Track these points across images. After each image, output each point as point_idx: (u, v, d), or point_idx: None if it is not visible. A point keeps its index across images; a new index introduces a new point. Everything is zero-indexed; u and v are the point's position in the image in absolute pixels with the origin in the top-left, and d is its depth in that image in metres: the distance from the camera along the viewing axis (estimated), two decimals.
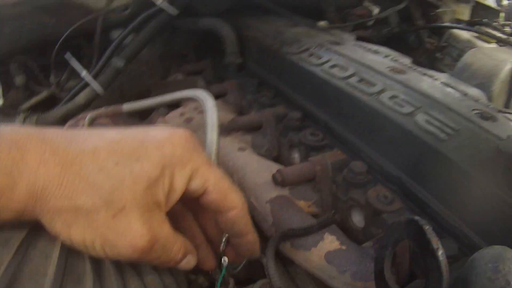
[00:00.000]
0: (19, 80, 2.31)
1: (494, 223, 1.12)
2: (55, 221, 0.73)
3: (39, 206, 0.71)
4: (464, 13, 3.38)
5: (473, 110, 1.38)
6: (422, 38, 3.10)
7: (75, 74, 2.33)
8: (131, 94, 2.40)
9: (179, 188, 0.82)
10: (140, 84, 2.41)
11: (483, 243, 1.13)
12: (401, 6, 2.87)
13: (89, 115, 1.66)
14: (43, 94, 2.35)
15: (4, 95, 2.25)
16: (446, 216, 1.23)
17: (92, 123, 1.67)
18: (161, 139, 0.82)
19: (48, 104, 2.30)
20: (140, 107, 1.62)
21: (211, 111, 1.29)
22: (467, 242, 1.17)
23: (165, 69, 2.57)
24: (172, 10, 2.03)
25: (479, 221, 1.16)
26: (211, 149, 1.18)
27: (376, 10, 2.71)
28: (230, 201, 0.89)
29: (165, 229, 0.81)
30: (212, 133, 1.20)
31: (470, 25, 3.35)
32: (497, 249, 0.87)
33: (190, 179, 0.83)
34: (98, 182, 0.72)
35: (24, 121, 1.96)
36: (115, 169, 0.74)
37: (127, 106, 1.61)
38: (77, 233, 0.73)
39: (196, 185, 0.85)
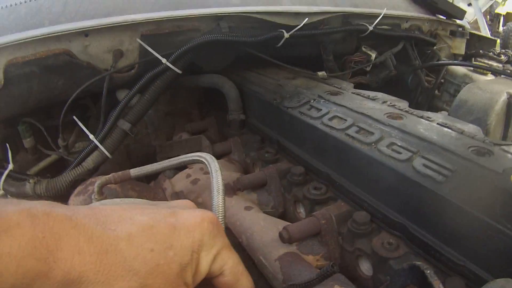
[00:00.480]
0: (27, 143, 2.33)
1: (497, 256, 1.14)
2: None
3: None
4: (460, 47, 3.42)
5: (470, 147, 1.41)
6: (420, 77, 3.12)
7: (83, 135, 2.35)
8: (138, 155, 2.44)
9: (203, 270, 0.84)
10: (145, 145, 2.43)
11: (489, 277, 1.15)
12: (398, 48, 2.92)
13: (98, 182, 1.64)
14: (52, 157, 2.38)
15: (12, 157, 2.24)
16: (450, 255, 1.25)
17: (102, 189, 1.66)
18: (191, 224, 0.84)
19: (57, 167, 2.33)
20: (147, 172, 1.63)
21: (216, 174, 1.29)
22: (474, 277, 1.19)
23: (170, 128, 2.59)
24: (177, 69, 2.06)
25: (483, 256, 1.18)
26: (218, 212, 1.19)
27: (373, 55, 2.75)
28: (241, 286, 0.91)
29: None
30: (218, 197, 1.21)
31: (466, 57, 3.39)
32: (500, 282, 0.91)
33: (212, 262, 0.85)
34: (134, 268, 0.74)
35: (34, 186, 1.95)
36: (149, 255, 0.75)
37: (135, 172, 1.62)
38: None
39: (215, 267, 0.87)
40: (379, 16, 2.67)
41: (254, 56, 2.28)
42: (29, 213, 0.69)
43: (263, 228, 1.55)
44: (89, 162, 2.04)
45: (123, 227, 0.77)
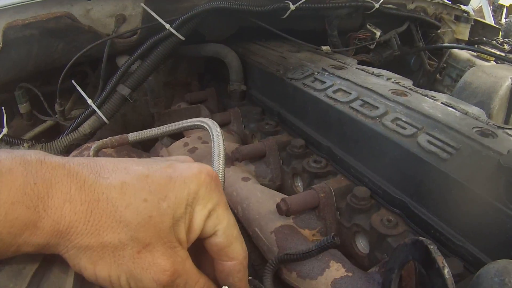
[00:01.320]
0: (23, 108, 2.30)
1: (498, 237, 1.12)
2: (79, 258, 0.72)
3: (63, 243, 0.70)
4: (464, 32, 3.39)
5: (474, 128, 1.40)
6: (422, 60, 3.11)
7: (79, 102, 2.36)
8: (135, 124, 2.42)
9: (197, 226, 0.81)
10: (143, 114, 2.41)
11: (488, 259, 1.13)
12: (402, 28, 2.91)
13: (94, 146, 1.63)
14: (47, 123, 2.35)
15: (8, 123, 2.23)
16: (450, 235, 1.23)
17: (97, 153, 1.65)
18: (188, 176, 0.80)
19: (52, 133, 2.31)
20: (145, 137, 1.59)
21: (218, 139, 1.25)
22: (472, 259, 1.18)
23: (168, 98, 2.57)
24: (180, 36, 2.04)
25: (482, 237, 1.17)
26: (219, 175, 1.17)
27: (378, 33, 2.72)
28: (233, 251, 0.87)
29: (187, 265, 0.81)
30: (218, 162, 1.18)
31: (469, 44, 3.38)
32: (501, 263, 0.89)
33: (206, 218, 0.82)
34: (125, 218, 0.71)
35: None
36: (142, 205, 0.73)
37: (133, 136, 1.58)
38: (103, 269, 0.73)
39: (209, 225, 0.83)
40: None
41: (258, 27, 2.26)
42: (22, 159, 0.68)
43: (260, 200, 1.53)
44: (86, 127, 2.01)
45: (117, 175, 0.74)
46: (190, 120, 1.44)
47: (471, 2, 3.76)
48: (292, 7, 2.13)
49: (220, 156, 1.20)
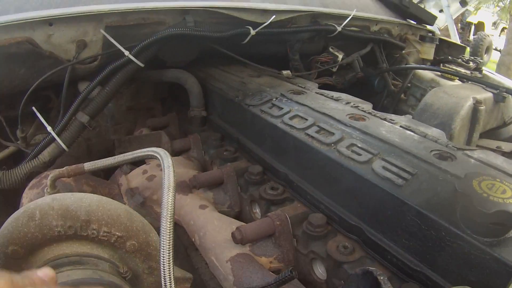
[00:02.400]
0: None
1: (455, 262, 1.13)
2: None
3: None
4: (429, 52, 3.43)
5: (432, 151, 1.41)
6: (386, 80, 3.13)
7: (42, 127, 2.33)
8: (98, 149, 2.41)
9: None
10: (106, 139, 2.40)
11: (446, 284, 1.14)
12: (366, 50, 2.93)
13: (50, 175, 1.61)
14: (10, 149, 2.31)
15: None
16: (407, 260, 1.24)
17: (55, 182, 1.63)
18: None
19: (15, 158, 2.29)
20: (101, 166, 1.60)
21: (168, 170, 1.27)
22: (431, 284, 1.18)
23: (131, 123, 2.58)
24: (139, 62, 2.04)
25: (440, 262, 1.17)
26: (167, 209, 1.18)
27: (340, 56, 2.74)
28: None
29: None
30: (168, 194, 1.20)
31: (434, 63, 3.42)
32: None
33: None
34: None
35: None
36: None
37: (89, 166, 1.59)
38: None
39: None
40: (348, 17, 2.67)
41: (219, 52, 2.26)
42: None
43: (217, 228, 1.53)
44: (45, 155, 2.01)
45: None
46: (144, 150, 1.45)
47: (437, 21, 3.81)
48: (253, 32, 2.15)
49: (169, 188, 1.22)
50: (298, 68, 2.58)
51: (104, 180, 1.97)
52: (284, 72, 2.28)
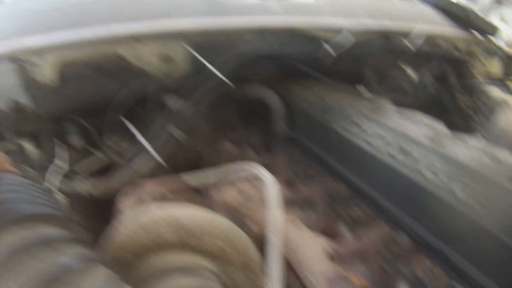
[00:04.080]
0: (74, 140, 2.40)
1: None
2: None
3: None
4: (498, 68, 3.41)
5: (508, 176, 1.42)
6: (456, 98, 3.15)
7: (128, 136, 2.43)
8: (182, 161, 2.50)
9: None
10: (190, 151, 2.50)
11: None
12: (436, 67, 2.97)
13: (154, 186, 1.79)
14: (99, 156, 2.43)
15: (57, 154, 2.34)
16: (489, 286, 1.29)
17: (157, 193, 1.79)
18: None
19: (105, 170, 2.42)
20: (200, 179, 1.71)
21: (273, 190, 1.39)
22: None
23: (213, 136, 2.65)
24: (226, 79, 2.12)
25: None
26: (274, 226, 1.27)
27: (412, 74, 2.79)
28: None
29: None
30: (275, 212, 1.30)
31: (502, 80, 3.38)
32: None
33: None
34: None
35: (83, 184, 2.09)
36: None
37: (188, 178, 1.71)
38: None
39: None
40: (420, 34, 2.70)
41: (298, 68, 2.33)
42: None
43: (308, 243, 1.59)
44: (139, 165, 2.14)
45: None
46: (244, 166, 1.61)
47: (503, 35, 3.77)
48: (334, 54, 2.22)
49: (276, 207, 1.33)
50: (373, 85, 2.63)
51: (197, 192, 2.05)
52: (360, 89, 2.36)
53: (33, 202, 1.03)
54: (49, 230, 0.97)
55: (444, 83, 3.11)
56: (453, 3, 3.40)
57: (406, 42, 2.61)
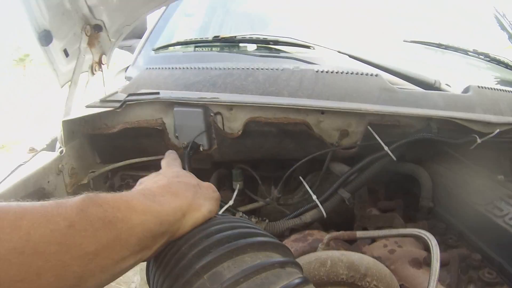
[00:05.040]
0: (238, 185, 2.78)
1: None
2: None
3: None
4: None
5: None
6: None
7: (289, 189, 2.83)
8: (337, 217, 2.77)
9: None
10: (346, 210, 2.77)
11: None
12: None
13: (328, 236, 2.04)
14: (261, 203, 2.81)
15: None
16: None
17: (330, 241, 2.05)
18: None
19: (252, 213, 2.73)
20: (370, 236, 2.06)
21: (436, 249, 1.68)
22: None
23: (366, 201, 2.88)
24: (394, 157, 2.38)
25: None
26: (433, 282, 1.57)
27: None
28: None
29: None
30: (434, 277, 1.60)
31: None
32: None
33: None
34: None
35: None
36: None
37: (360, 234, 2.03)
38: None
39: None
40: None
41: (443, 150, 2.60)
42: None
43: None
44: (307, 217, 2.43)
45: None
46: (411, 229, 1.89)
47: None
48: (479, 141, 2.42)
49: (436, 267, 1.64)
50: (508, 173, 2.77)
51: (351, 247, 2.33)
52: (499, 177, 2.54)
53: (258, 233, 1.25)
54: (277, 255, 1.19)
55: None
56: None
57: None
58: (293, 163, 2.61)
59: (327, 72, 2.64)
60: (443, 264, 2.09)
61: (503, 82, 3.44)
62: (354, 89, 2.53)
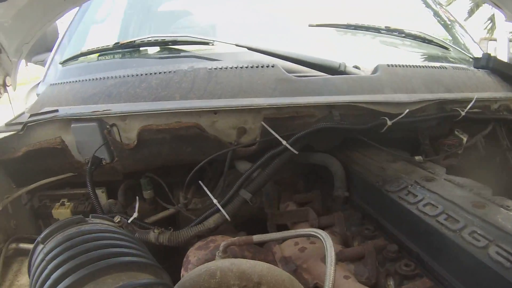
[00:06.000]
0: (147, 194, 2.74)
1: None
2: None
3: None
4: None
5: None
6: (507, 158, 3.22)
7: (197, 194, 2.73)
8: (246, 217, 2.74)
9: None
10: (255, 209, 2.71)
11: None
12: (487, 130, 3.07)
13: (224, 243, 1.94)
14: (170, 210, 2.73)
15: (130, 206, 2.65)
16: None
17: (226, 248, 1.96)
18: None
19: (170, 219, 2.71)
20: (268, 239, 1.96)
21: (330, 249, 1.58)
22: None
23: (277, 196, 2.82)
24: (294, 151, 2.32)
25: None
26: (329, 281, 1.49)
27: (465, 139, 2.91)
28: None
29: None
30: (330, 269, 1.51)
31: None
32: None
33: None
34: None
35: (158, 236, 2.25)
36: None
37: (257, 238, 1.93)
38: None
39: None
40: (471, 100, 2.84)
41: (357, 139, 2.52)
42: None
43: None
44: (210, 222, 2.33)
45: None
46: (307, 229, 1.79)
47: None
48: (389, 123, 2.38)
49: (332, 264, 1.54)
50: (428, 152, 2.78)
51: (260, 248, 2.24)
52: (416, 157, 2.49)
53: (131, 252, 1.21)
54: (145, 276, 1.15)
55: (495, 144, 3.21)
56: (508, 64, 3.53)
57: (460, 110, 2.77)
58: (204, 166, 2.56)
59: (220, 68, 2.58)
60: (359, 258, 2.04)
61: (422, 57, 3.47)
62: (248, 84, 2.47)
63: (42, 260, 1.25)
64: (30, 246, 2.67)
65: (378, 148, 2.58)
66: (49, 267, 1.15)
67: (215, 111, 2.35)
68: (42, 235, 1.38)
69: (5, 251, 2.51)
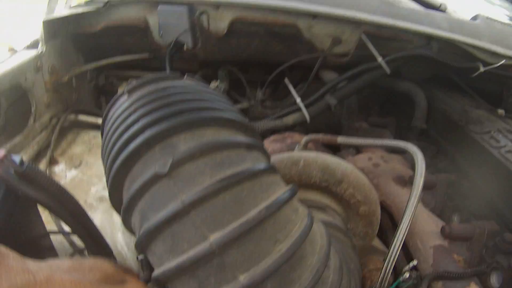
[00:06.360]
0: (223, 85, 2.73)
1: None
2: None
3: None
4: None
5: None
6: None
7: (274, 95, 2.77)
8: (323, 124, 2.72)
9: None
10: (333, 119, 2.73)
11: None
12: None
13: (306, 138, 1.93)
14: (244, 104, 2.74)
15: None
16: None
17: (308, 143, 1.95)
18: None
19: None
20: (352, 143, 1.89)
21: (421, 164, 1.49)
22: None
23: (356, 114, 2.82)
24: (387, 69, 2.29)
25: None
26: (414, 197, 1.42)
27: None
28: None
29: None
30: (419, 182, 1.43)
31: None
32: None
33: None
34: None
35: None
36: None
37: (341, 139, 1.89)
38: None
39: None
40: None
41: (447, 77, 2.50)
42: None
43: (426, 219, 1.78)
44: (289, 119, 2.35)
45: None
46: (398, 141, 1.70)
47: None
48: (482, 69, 2.30)
49: (421, 177, 1.46)
50: (510, 108, 2.64)
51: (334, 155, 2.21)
52: (499, 110, 2.42)
53: (227, 108, 1.13)
54: (244, 137, 1.08)
55: None
56: None
57: None
58: (284, 70, 2.57)
59: None
60: (430, 187, 2.02)
61: None
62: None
63: (127, 108, 1.12)
64: (90, 118, 2.75)
65: (461, 93, 2.55)
66: (137, 113, 1.05)
67: (314, 16, 2.30)
68: (128, 86, 1.21)
69: (62, 120, 2.58)
